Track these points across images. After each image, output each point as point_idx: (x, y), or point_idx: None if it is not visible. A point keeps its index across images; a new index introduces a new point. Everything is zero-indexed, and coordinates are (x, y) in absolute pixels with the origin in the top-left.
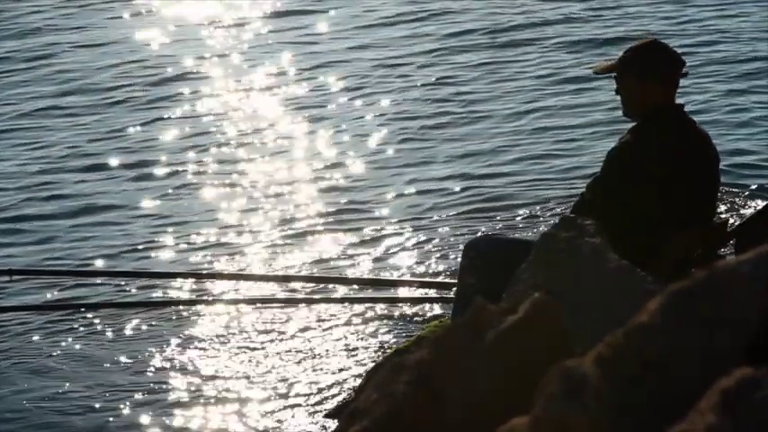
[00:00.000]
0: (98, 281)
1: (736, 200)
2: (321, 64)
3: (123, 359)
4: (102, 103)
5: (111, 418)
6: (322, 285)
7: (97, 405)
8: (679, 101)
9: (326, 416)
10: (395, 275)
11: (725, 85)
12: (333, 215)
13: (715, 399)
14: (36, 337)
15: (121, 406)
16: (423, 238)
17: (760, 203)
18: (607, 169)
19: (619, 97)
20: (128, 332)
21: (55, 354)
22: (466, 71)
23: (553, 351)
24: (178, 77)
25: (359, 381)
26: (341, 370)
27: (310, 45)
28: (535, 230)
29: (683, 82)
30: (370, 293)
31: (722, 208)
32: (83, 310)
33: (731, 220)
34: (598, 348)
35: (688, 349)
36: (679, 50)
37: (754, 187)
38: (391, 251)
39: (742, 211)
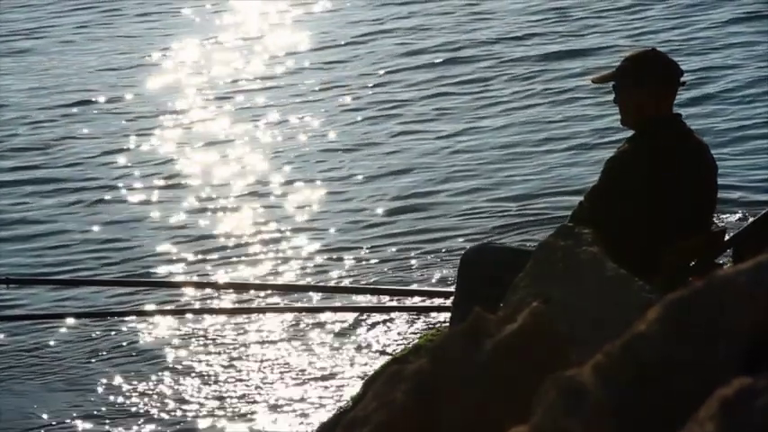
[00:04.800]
0: (94, 290)
1: (734, 208)
2: (278, 84)
3: (119, 367)
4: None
5: (103, 424)
6: (319, 294)
7: (94, 412)
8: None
9: (324, 425)
10: (392, 284)
11: (720, 93)
12: (329, 223)
13: (714, 408)
14: (33, 345)
15: (115, 413)
16: (420, 247)
17: (758, 212)
18: (605, 178)
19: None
20: (123, 340)
21: (52, 361)
22: (471, 77)
23: (551, 360)
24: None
25: (357, 389)
26: (339, 379)
27: (264, 65)
28: (533, 239)
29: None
30: (367, 302)
31: (720, 217)
32: (79, 318)
33: (729, 229)
34: (596, 357)
35: (686, 358)
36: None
37: (751, 196)
38: (389, 260)
39: (740, 220)
